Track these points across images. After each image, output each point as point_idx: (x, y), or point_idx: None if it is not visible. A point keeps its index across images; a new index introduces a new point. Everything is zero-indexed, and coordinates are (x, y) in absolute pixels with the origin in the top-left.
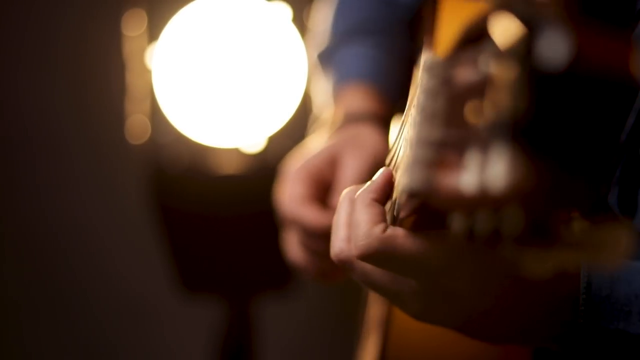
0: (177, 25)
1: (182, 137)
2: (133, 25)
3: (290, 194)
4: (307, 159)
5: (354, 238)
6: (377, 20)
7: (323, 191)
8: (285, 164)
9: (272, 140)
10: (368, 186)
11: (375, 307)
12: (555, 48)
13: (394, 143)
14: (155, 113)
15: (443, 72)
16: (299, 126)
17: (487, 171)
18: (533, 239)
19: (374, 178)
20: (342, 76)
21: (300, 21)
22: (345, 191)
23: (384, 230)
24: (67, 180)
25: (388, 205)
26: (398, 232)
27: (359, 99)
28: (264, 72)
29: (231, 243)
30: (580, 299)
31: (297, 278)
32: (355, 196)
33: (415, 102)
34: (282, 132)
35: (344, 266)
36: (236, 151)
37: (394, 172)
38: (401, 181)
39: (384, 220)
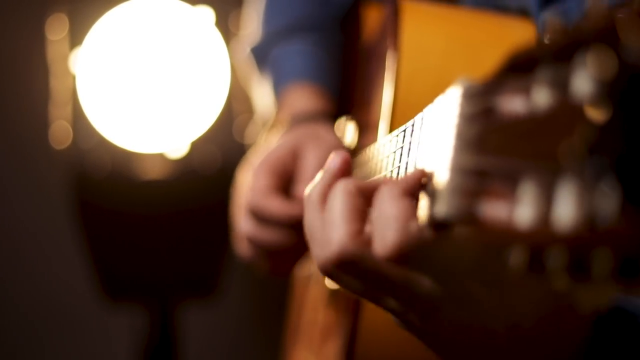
0: (100, 29)
1: (106, 142)
2: (57, 29)
3: (254, 186)
4: (267, 153)
5: (381, 233)
6: (314, 18)
7: (286, 182)
8: (248, 159)
9: (196, 145)
10: (398, 182)
11: (317, 312)
12: None
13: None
14: (79, 118)
15: (484, 100)
16: (222, 131)
17: (562, 208)
18: (620, 279)
19: (407, 174)
20: (283, 75)
21: (225, 25)
22: (338, 182)
23: (419, 227)
24: None
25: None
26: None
27: (305, 98)
28: (187, 76)
29: (155, 250)
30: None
31: (220, 286)
32: (381, 190)
33: (427, 122)
34: (205, 136)
35: (345, 264)
36: (160, 156)
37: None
38: (435, 206)
39: (417, 215)
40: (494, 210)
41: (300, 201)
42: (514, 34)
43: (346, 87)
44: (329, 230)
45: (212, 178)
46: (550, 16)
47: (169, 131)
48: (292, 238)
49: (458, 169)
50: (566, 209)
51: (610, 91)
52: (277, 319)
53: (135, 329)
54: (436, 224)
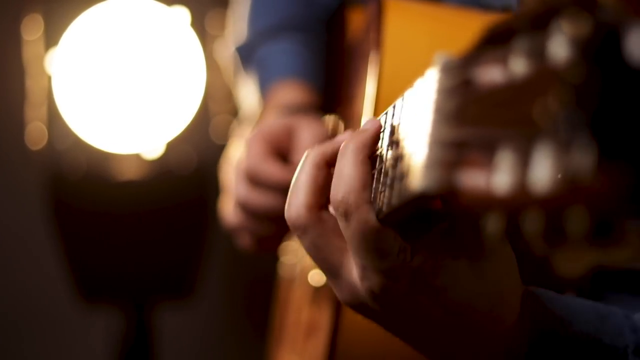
0: (76, 30)
1: (81, 142)
2: (32, 29)
3: (250, 153)
4: (260, 127)
5: (339, 191)
6: (300, 18)
7: (280, 155)
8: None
9: (171, 145)
10: (359, 135)
11: (301, 312)
12: None
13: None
14: (54, 118)
15: (462, 72)
16: (198, 131)
17: (538, 171)
18: (595, 239)
19: (363, 127)
20: (271, 73)
21: (201, 25)
22: (309, 154)
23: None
24: None
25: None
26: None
27: (292, 93)
28: (163, 77)
29: (131, 251)
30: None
31: (197, 287)
32: (345, 142)
33: (411, 100)
34: (181, 137)
35: (296, 229)
36: (136, 157)
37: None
38: (412, 180)
39: (371, 183)
40: (472, 179)
41: (295, 167)
42: None
43: (331, 87)
44: (292, 195)
45: (188, 178)
46: None
47: (145, 132)
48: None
49: (436, 142)
50: (542, 172)
51: (584, 50)
52: (253, 320)
53: (111, 330)
54: (415, 198)
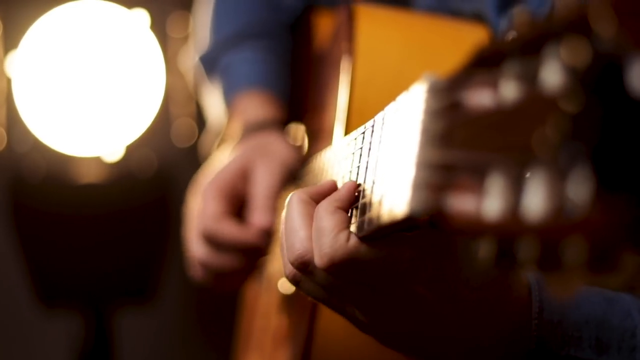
0: (36, 32)
1: (41, 145)
2: None
3: (205, 211)
4: (217, 173)
5: (319, 246)
6: (264, 24)
7: (237, 205)
8: (195, 180)
9: (131, 148)
10: (332, 195)
11: (269, 319)
12: None
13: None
14: (14, 121)
15: (450, 94)
16: (159, 134)
17: (531, 198)
18: (590, 267)
19: (339, 189)
20: (234, 83)
21: (162, 28)
22: (292, 194)
23: (348, 238)
24: None
25: (352, 219)
26: (361, 242)
27: (256, 106)
28: (122, 80)
29: (92, 255)
30: (532, 325)
31: (157, 291)
32: (319, 206)
33: (389, 121)
34: (141, 140)
35: (303, 269)
36: (96, 160)
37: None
38: (397, 202)
39: (348, 227)
40: (461, 203)
41: (252, 226)
42: (469, 38)
43: (298, 93)
44: (291, 237)
45: (149, 182)
46: (518, 10)
47: (105, 134)
48: (245, 261)
49: (423, 164)
50: (536, 200)
51: (583, 80)
52: (215, 324)
53: (71, 335)
54: (403, 220)
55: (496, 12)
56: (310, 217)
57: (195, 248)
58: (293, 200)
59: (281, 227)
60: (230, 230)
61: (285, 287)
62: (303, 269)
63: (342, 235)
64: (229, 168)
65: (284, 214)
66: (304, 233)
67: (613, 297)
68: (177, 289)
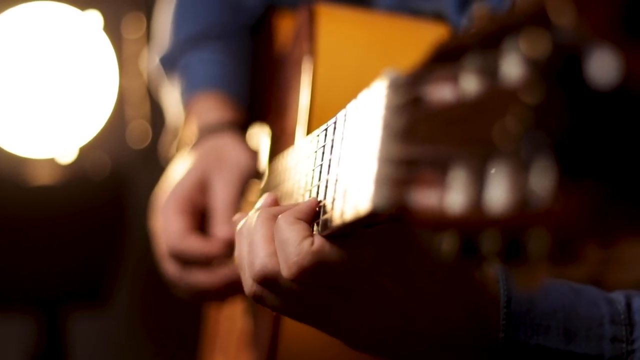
0: None
1: None
2: None
3: (168, 230)
4: (174, 187)
5: (284, 257)
6: (223, 25)
7: (198, 218)
8: (154, 194)
9: (85, 150)
10: (292, 209)
11: (234, 322)
12: (605, 67)
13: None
14: None
15: (411, 89)
16: (114, 136)
17: (493, 191)
18: (554, 258)
19: (299, 202)
20: (191, 84)
21: (116, 30)
22: (259, 213)
23: (312, 243)
24: None
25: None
26: (325, 243)
27: (212, 108)
28: (75, 81)
29: (44, 257)
30: (501, 314)
31: (111, 294)
32: (278, 218)
33: (345, 119)
34: (95, 141)
35: (267, 284)
36: (49, 161)
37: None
38: (360, 198)
39: (311, 235)
40: (424, 198)
41: (216, 239)
42: (430, 37)
43: (259, 94)
44: (253, 254)
45: (103, 183)
46: (478, 6)
47: (58, 136)
48: (216, 274)
49: (386, 159)
50: (498, 193)
51: (544, 71)
52: (169, 329)
53: (24, 338)
54: (366, 216)
55: (456, 11)
56: (270, 231)
57: (167, 267)
58: (257, 218)
59: (243, 247)
60: (195, 246)
61: None
62: (267, 283)
63: (306, 242)
64: (185, 181)
65: (241, 228)
66: (266, 250)
67: (580, 287)
68: (132, 291)
